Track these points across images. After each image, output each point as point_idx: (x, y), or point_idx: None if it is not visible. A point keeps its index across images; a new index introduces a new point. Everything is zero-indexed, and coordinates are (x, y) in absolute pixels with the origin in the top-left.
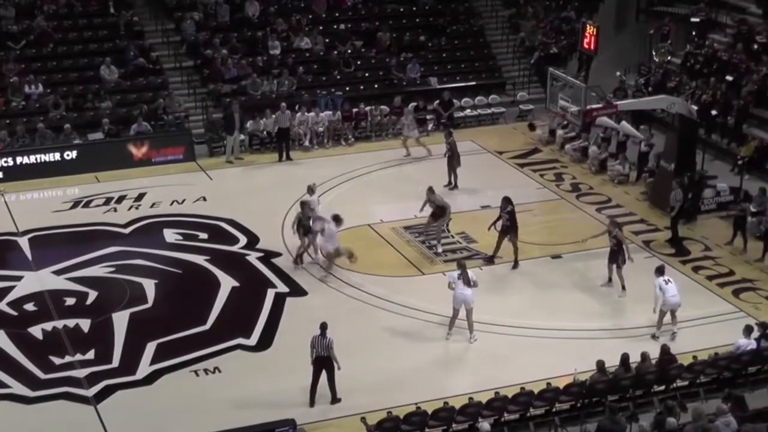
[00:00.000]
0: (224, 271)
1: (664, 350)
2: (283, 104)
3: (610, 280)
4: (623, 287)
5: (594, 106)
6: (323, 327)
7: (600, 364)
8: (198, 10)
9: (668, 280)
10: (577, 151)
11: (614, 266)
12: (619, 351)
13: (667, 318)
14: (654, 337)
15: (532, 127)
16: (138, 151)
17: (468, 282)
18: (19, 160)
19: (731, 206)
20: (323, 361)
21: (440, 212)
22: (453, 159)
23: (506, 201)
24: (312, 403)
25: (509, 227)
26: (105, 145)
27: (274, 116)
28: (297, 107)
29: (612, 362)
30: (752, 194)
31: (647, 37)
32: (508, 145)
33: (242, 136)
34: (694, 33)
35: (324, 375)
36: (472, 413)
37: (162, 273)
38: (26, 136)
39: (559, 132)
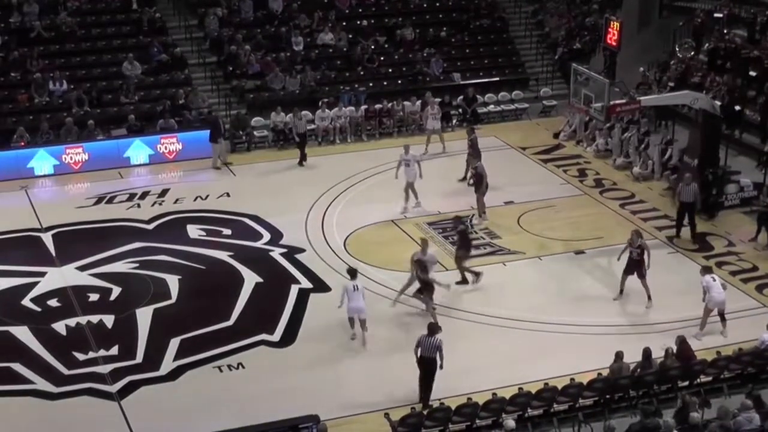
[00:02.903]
0: (248, 266)
1: (681, 339)
2: (305, 113)
3: (621, 292)
4: (649, 297)
5: (617, 101)
6: (432, 328)
7: (647, 352)
8: (221, 6)
9: (714, 277)
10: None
11: (629, 277)
12: (641, 346)
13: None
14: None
15: (556, 136)
16: (162, 147)
17: (362, 293)
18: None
19: (755, 202)
20: (428, 362)
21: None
22: (472, 155)
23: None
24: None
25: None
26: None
27: (289, 116)
28: (320, 103)
29: (634, 357)
30: None
31: (671, 32)
32: (532, 140)
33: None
34: (717, 28)
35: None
36: (496, 409)
37: (185, 269)
38: (50, 132)
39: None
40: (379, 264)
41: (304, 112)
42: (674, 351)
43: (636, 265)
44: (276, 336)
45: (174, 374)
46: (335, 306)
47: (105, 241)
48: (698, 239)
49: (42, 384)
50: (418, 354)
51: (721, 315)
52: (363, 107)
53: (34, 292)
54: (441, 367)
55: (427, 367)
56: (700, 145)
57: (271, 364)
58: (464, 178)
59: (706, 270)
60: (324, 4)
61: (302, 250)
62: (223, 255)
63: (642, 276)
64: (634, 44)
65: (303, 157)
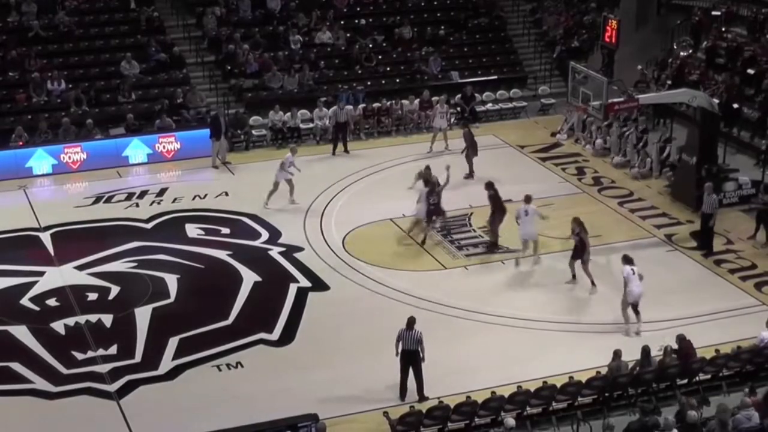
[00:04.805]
0: (246, 266)
1: (681, 337)
2: (350, 107)
3: (574, 276)
4: (592, 283)
5: (616, 100)
6: (411, 321)
7: (645, 350)
8: (219, 5)
9: (634, 270)
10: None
11: (577, 263)
12: (639, 344)
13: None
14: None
15: (554, 135)
16: (160, 146)
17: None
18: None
19: (753, 199)
20: (410, 356)
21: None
22: (468, 150)
23: (488, 185)
24: (403, 397)
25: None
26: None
27: (332, 110)
28: (318, 102)
29: (632, 356)
30: None
31: (670, 30)
32: (530, 139)
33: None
34: (715, 26)
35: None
36: (495, 407)
37: (184, 268)
38: (48, 131)
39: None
40: (378, 262)
41: (348, 105)
42: (673, 349)
43: (576, 252)
44: (275, 335)
45: (173, 373)
46: (334, 304)
47: (103, 240)
48: (703, 246)
49: (41, 383)
50: (400, 348)
51: (635, 308)
52: (361, 106)
53: (33, 292)
54: (423, 359)
55: (409, 360)
56: (698, 143)
57: (270, 363)
58: (469, 174)
59: (627, 260)
60: (322, 3)
61: (301, 249)
62: (221, 254)
63: (584, 262)
64: (632, 42)
65: (344, 147)
